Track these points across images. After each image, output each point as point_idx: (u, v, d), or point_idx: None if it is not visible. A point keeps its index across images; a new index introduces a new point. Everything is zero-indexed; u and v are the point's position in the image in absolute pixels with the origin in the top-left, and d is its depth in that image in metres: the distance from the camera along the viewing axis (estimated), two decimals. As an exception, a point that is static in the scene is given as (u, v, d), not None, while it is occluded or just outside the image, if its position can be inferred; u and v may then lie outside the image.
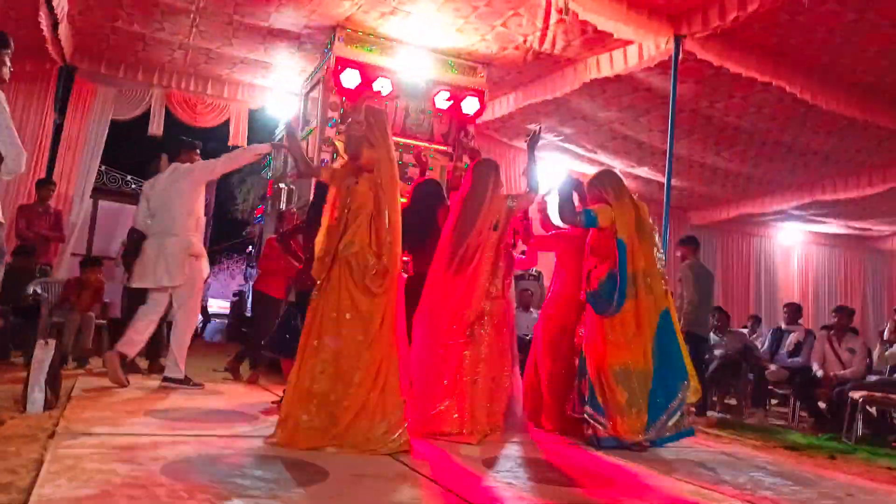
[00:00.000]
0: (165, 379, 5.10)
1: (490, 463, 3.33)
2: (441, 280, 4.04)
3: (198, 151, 5.42)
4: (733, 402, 7.32)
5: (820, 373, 6.41)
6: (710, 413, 6.53)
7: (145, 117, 8.62)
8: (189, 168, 5.27)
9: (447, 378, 3.93)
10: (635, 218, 4.11)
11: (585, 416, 4.00)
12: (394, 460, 3.14)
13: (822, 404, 6.53)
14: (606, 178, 4.33)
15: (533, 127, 4.73)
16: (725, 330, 7.32)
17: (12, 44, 3.49)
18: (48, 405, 3.71)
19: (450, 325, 3.97)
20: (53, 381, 3.83)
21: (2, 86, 3.44)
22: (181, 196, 5.17)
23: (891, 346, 6.54)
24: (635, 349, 3.96)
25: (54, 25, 6.66)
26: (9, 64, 3.48)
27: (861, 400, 5.55)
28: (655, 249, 4.15)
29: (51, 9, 6.26)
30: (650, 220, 4.23)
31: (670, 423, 3.95)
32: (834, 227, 11.79)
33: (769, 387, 6.88)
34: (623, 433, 3.88)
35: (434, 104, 7.21)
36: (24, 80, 7.44)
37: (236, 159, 5.36)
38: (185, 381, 5.10)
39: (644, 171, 9.65)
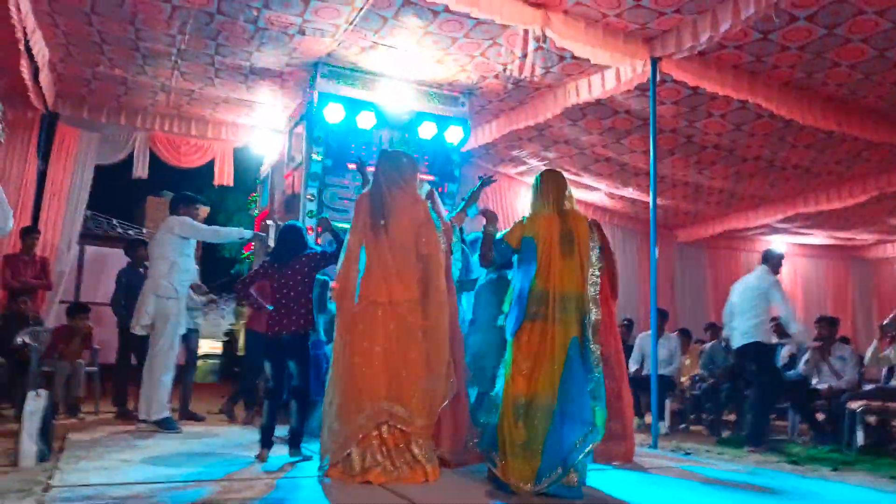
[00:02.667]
0: (141, 421, 5.29)
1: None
2: None
3: (197, 206, 5.83)
4: (732, 417, 7.31)
5: (822, 386, 6.42)
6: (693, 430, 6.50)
7: (129, 160, 8.61)
8: (178, 222, 5.58)
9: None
10: (560, 231, 3.64)
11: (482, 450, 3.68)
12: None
13: (820, 416, 6.54)
14: (534, 185, 3.92)
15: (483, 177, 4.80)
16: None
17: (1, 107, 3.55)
18: (41, 457, 3.66)
19: None
20: (46, 433, 3.77)
21: None
22: (159, 244, 5.59)
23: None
24: (541, 380, 3.45)
25: (35, 73, 6.68)
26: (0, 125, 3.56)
27: (860, 410, 5.56)
28: (590, 271, 3.63)
29: (31, 57, 6.28)
30: (592, 239, 3.71)
31: (564, 476, 3.29)
32: (819, 238, 11.91)
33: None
34: (511, 478, 3.35)
35: (418, 135, 7.26)
36: (6, 129, 7.43)
37: (221, 235, 5.85)
38: (163, 423, 5.16)
39: (629, 192, 9.74)
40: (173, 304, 5.44)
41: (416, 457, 3.50)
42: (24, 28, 5.68)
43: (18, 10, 5.33)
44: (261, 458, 4.06)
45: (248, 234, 5.97)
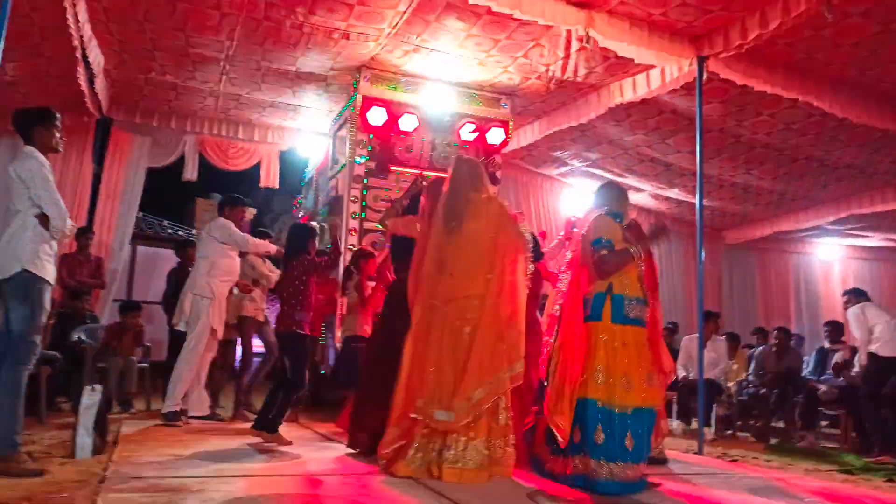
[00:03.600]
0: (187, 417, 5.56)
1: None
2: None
3: (243, 208, 6.02)
4: (780, 425, 7.13)
5: None
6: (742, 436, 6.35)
7: (179, 163, 8.85)
8: (217, 225, 5.80)
9: None
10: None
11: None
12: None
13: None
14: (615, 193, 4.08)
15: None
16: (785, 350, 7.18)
17: (57, 117, 3.74)
18: (96, 450, 3.79)
19: None
20: (101, 426, 3.91)
21: (49, 154, 3.67)
22: (202, 245, 5.87)
23: None
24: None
25: (91, 80, 6.92)
26: (58, 135, 3.75)
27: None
28: None
29: (87, 65, 6.51)
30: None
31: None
32: (874, 240, 11.52)
33: (818, 408, 6.66)
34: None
35: (460, 137, 7.29)
36: (63, 134, 7.70)
37: (249, 245, 5.92)
38: (168, 416, 5.36)
39: (675, 193, 9.58)
40: (207, 303, 5.58)
41: (459, 456, 3.49)
42: (81, 37, 5.89)
43: (76, 19, 5.54)
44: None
45: (273, 248, 6.09)
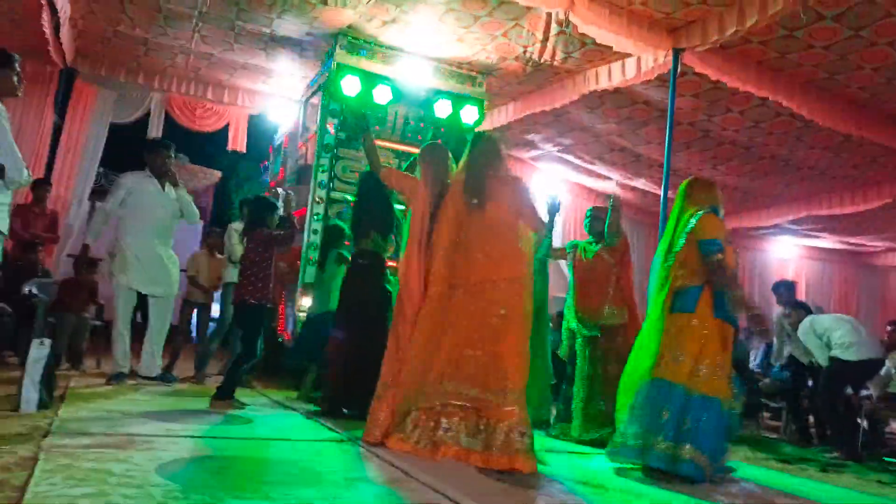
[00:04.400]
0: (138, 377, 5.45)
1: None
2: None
3: (164, 152, 5.49)
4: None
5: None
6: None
7: (145, 120, 8.64)
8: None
9: None
10: None
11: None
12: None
13: (811, 418, 6.55)
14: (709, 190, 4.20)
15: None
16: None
17: (16, 59, 3.57)
18: (42, 405, 3.71)
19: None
20: (48, 381, 3.83)
21: (11, 99, 3.52)
22: None
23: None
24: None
25: (56, 28, 6.68)
26: (16, 79, 3.58)
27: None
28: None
29: (54, 11, 6.28)
30: None
31: None
32: (828, 241, 11.85)
33: (761, 399, 6.87)
34: None
35: (434, 112, 7.24)
36: (23, 80, 7.45)
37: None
38: (115, 378, 5.27)
39: (641, 183, 9.70)
40: (115, 261, 5.39)
41: (493, 441, 3.35)
42: (48, -20, 5.69)
43: (42, -38, 5.34)
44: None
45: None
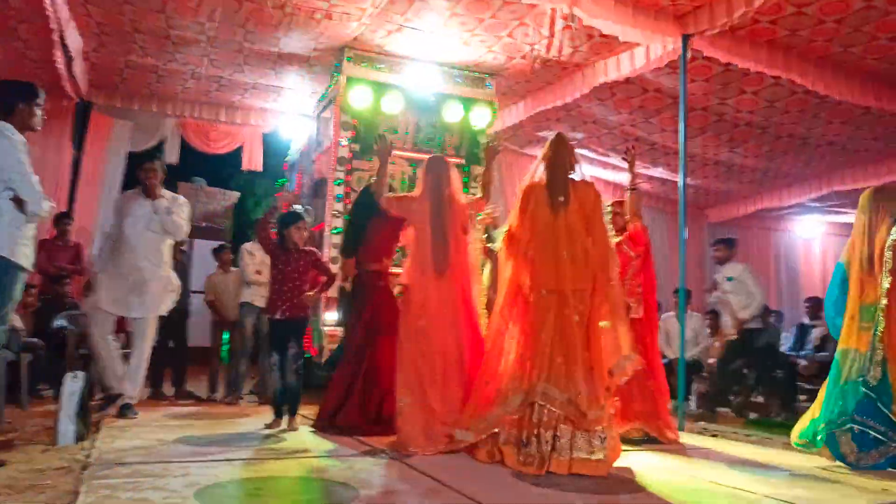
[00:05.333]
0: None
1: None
2: (426, 286, 4.07)
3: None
4: (760, 400, 7.22)
5: None
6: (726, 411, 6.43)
7: (161, 146, 8.74)
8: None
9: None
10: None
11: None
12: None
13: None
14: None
15: (493, 143, 4.74)
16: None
17: (41, 94, 3.65)
18: (79, 437, 3.77)
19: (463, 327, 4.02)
20: (83, 413, 3.88)
21: (25, 133, 3.58)
22: None
23: None
24: None
25: (69, 63, 6.79)
26: (39, 113, 3.65)
27: None
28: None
29: (65, 48, 6.39)
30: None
31: None
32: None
33: (797, 383, 6.75)
34: None
35: (444, 118, 7.24)
36: (45, 117, 7.58)
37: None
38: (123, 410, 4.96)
39: (659, 172, 9.61)
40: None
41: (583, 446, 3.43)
42: (59, 19, 5.77)
43: (53, 1, 5.42)
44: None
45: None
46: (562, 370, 3.48)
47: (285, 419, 4.64)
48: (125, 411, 4.91)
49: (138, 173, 5.24)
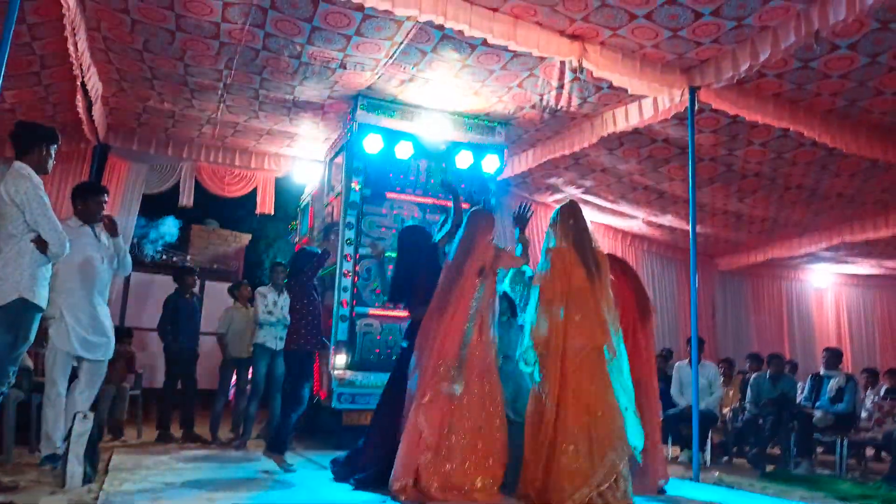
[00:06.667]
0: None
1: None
2: (428, 325, 4.12)
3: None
4: (776, 451, 7.11)
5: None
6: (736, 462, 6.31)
7: (175, 188, 8.88)
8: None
9: (427, 430, 3.88)
10: None
11: None
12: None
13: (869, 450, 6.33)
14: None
15: (527, 212, 4.85)
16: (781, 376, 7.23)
17: (58, 140, 3.75)
18: (87, 479, 3.75)
19: (433, 372, 3.98)
20: (92, 455, 3.87)
21: (44, 176, 3.66)
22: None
23: None
24: None
25: (89, 107, 6.97)
26: (53, 157, 3.74)
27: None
28: None
29: (86, 92, 6.56)
30: None
31: None
32: (865, 267, 11.59)
33: (814, 434, 6.64)
34: None
35: (455, 165, 7.34)
36: (60, 160, 7.67)
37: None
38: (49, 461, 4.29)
39: (668, 220, 9.65)
40: (52, 323, 4.48)
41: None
42: (81, 65, 5.95)
43: (76, 48, 5.60)
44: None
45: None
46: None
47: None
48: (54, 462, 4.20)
49: (89, 203, 4.66)
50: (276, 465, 4.60)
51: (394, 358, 6.32)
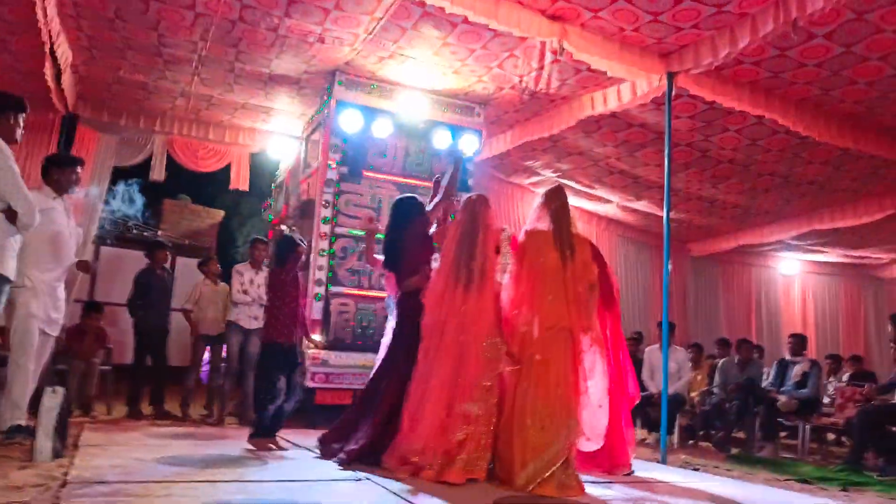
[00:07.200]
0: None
1: None
2: (450, 299, 4.09)
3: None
4: (741, 435, 7.27)
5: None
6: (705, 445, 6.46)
7: (147, 162, 8.71)
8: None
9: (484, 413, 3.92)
10: None
11: None
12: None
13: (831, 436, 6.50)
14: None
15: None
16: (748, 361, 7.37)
17: (26, 109, 3.64)
18: (56, 454, 3.70)
19: (479, 358, 3.98)
20: (61, 430, 3.82)
21: (13, 145, 3.56)
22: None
23: None
24: None
25: (58, 76, 6.78)
26: (22, 126, 3.64)
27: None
28: None
29: (55, 60, 6.39)
30: None
31: None
32: (832, 256, 11.85)
33: (778, 419, 6.80)
34: None
35: (433, 144, 7.31)
36: (27, 130, 7.39)
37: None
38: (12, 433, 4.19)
39: (642, 205, 9.74)
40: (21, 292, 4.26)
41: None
42: (49, 31, 5.78)
43: (45, 14, 5.43)
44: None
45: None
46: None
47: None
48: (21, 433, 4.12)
49: (68, 174, 4.50)
50: (267, 448, 4.55)
51: (374, 337, 6.31)
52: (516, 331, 4.04)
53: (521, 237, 4.34)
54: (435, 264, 4.50)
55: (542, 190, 4.53)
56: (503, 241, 4.39)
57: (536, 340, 3.94)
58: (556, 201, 4.29)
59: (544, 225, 4.21)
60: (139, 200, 6.54)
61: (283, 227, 7.98)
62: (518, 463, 3.70)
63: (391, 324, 4.73)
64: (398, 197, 5.06)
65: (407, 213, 4.70)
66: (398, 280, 4.61)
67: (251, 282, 6.46)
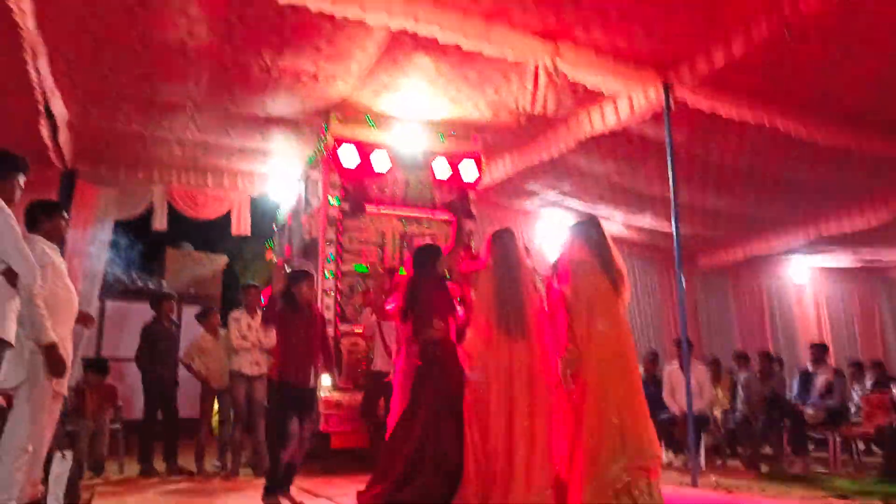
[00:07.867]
0: None
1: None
2: (498, 344, 3.99)
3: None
4: (769, 451, 7.06)
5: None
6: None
7: (149, 212, 8.66)
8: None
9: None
10: None
11: None
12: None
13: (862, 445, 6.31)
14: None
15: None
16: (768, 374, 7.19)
17: (27, 169, 3.59)
18: (67, 521, 3.56)
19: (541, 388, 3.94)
20: (72, 495, 3.69)
21: (11, 206, 3.50)
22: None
23: None
24: None
25: (54, 133, 6.76)
26: (22, 186, 3.58)
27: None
28: None
29: (50, 117, 6.37)
30: None
31: None
32: (844, 261, 11.68)
33: (806, 431, 6.61)
34: None
35: (433, 174, 7.25)
36: (26, 188, 7.46)
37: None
38: None
39: (647, 221, 9.63)
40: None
41: None
42: (44, 90, 5.77)
43: (38, 72, 5.42)
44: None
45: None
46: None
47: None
48: None
49: (58, 222, 4.08)
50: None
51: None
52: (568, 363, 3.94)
53: (558, 270, 4.25)
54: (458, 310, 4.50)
55: (573, 222, 4.52)
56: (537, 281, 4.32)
57: (594, 370, 3.86)
58: (593, 229, 4.26)
59: (587, 255, 4.14)
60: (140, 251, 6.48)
61: (288, 269, 7.88)
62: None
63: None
64: (418, 247, 4.99)
65: (422, 263, 4.58)
66: (415, 331, 4.47)
67: (248, 326, 6.38)
